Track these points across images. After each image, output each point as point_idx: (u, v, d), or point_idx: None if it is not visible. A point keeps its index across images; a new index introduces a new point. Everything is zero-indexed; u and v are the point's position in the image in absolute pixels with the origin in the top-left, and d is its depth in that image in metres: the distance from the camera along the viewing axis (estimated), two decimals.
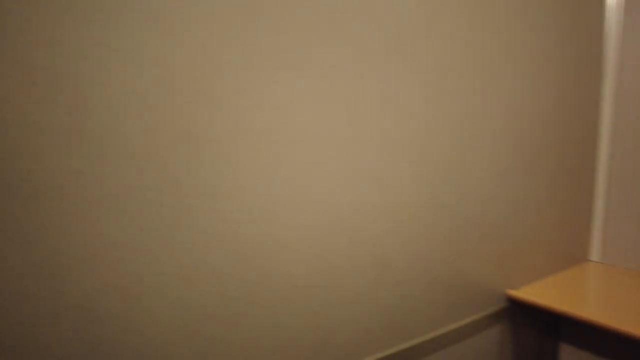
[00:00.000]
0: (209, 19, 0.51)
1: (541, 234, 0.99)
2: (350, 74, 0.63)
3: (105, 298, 0.48)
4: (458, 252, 0.81)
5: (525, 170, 0.92)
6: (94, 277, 0.47)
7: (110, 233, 0.47)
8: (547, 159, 0.97)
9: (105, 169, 0.46)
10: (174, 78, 0.50)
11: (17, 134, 0.42)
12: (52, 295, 0.45)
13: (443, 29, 0.73)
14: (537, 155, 0.95)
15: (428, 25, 0.71)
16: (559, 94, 0.97)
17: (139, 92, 0.48)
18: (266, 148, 0.57)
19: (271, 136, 0.57)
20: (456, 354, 0.83)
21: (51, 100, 0.43)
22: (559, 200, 1.02)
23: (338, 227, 0.64)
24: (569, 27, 0.97)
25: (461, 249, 0.81)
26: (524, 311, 0.96)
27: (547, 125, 0.96)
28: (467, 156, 0.80)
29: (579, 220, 1.09)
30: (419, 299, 0.76)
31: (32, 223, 0.43)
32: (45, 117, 0.43)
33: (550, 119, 0.97)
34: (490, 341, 0.90)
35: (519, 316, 0.95)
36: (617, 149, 1.08)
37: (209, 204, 0.53)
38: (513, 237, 0.92)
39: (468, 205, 0.82)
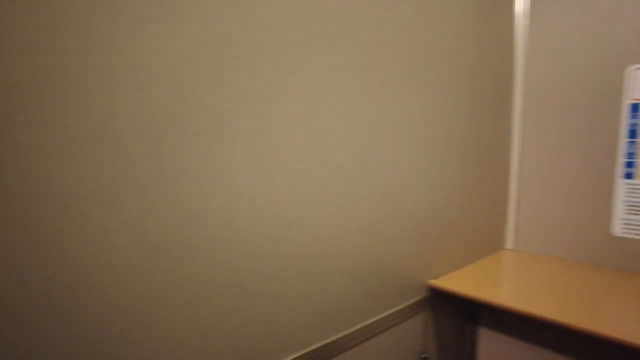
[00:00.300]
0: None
1: (461, 225, 1.03)
2: (261, 68, 0.60)
3: None
4: (379, 244, 0.82)
5: (445, 164, 0.95)
6: None
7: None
8: (465, 154, 1.02)
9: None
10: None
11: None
12: None
13: (365, 34, 0.74)
14: (456, 151, 0.98)
15: (350, 29, 0.70)
16: (474, 93, 1.02)
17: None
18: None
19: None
20: (381, 344, 0.84)
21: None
22: (477, 192, 1.07)
23: (254, 225, 0.61)
24: (483, 32, 1.02)
25: (383, 242, 0.82)
26: (445, 299, 0.99)
27: (464, 123, 1.00)
28: (387, 150, 0.81)
29: (495, 212, 1.16)
30: (341, 293, 0.75)
31: None
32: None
33: (468, 118, 1.01)
34: (414, 330, 0.91)
35: (441, 304, 0.98)
36: (527, 145, 1.16)
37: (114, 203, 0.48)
38: (435, 229, 0.94)
39: (389, 199, 0.83)
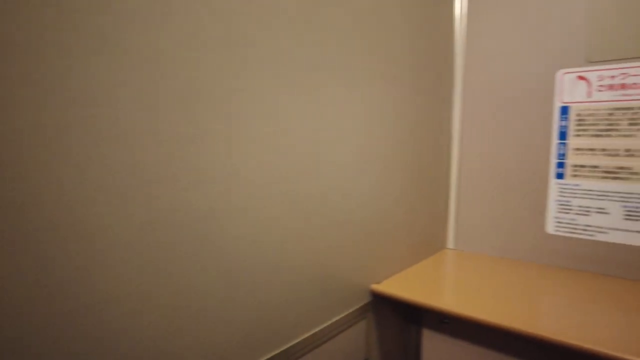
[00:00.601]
0: None
1: (403, 227, 1.02)
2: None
3: None
4: (318, 251, 0.79)
5: (386, 166, 0.94)
6: None
7: None
8: (406, 156, 1.01)
9: None
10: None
11: None
12: None
13: (311, 35, 0.70)
14: (397, 153, 0.97)
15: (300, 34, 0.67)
16: (415, 94, 1.02)
17: None
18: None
19: None
20: (324, 355, 0.81)
21: None
22: (418, 193, 1.08)
23: (177, 237, 0.56)
24: (423, 35, 1.03)
25: (322, 249, 0.80)
26: (388, 303, 0.98)
27: (405, 125, 1.00)
28: (326, 152, 0.78)
29: (437, 212, 1.17)
30: (280, 306, 0.72)
31: None
32: None
33: (408, 119, 1.01)
34: (357, 337, 0.90)
35: (384, 308, 0.97)
36: (466, 146, 1.18)
37: None
38: (377, 232, 0.93)
39: (330, 204, 0.79)
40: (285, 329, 0.73)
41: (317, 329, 0.79)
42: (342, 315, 0.84)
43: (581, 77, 0.96)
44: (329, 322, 0.82)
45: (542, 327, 0.73)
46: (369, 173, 0.89)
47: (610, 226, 0.95)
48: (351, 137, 0.84)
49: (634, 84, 0.90)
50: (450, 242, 1.21)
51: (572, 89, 0.98)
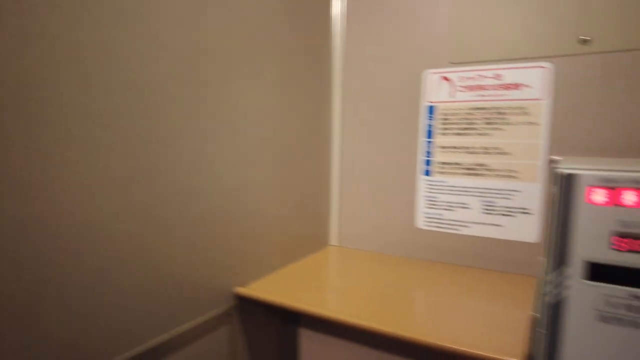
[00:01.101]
0: None
1: (279, 226, 1.01)
2: None
3: None
4: (174, 253, 0.74)
5: (257, 164, 0.91)
6: None
7: None
8: (283, 153, 0.99)
9: None
10: None
11: None
12: None
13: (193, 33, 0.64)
14: (272, 150, 0.95)
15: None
16: (295, 94, 1.01)
17: None
18: None
19: None
20: None
21: None
22: (298, 191, 1.06)
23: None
24: (303, 36, 1.01)
25: (179, 251, 0.75)
26: (258, 305, 0.95)
27: (285, 123, 0.98)
28: (190, 147, 0.73)
29: (319, 209, 1.17)
30: (130, 308, 0.66)
31: None
32: None
33: (287, 117, 0.99)
34: (220, 342, 0.86)
35: (255, 311, 0.95)
36: (346, 144, 1.19)
37: None
38: (244, 232, 0.90)
39: (187, 201, 0.75)
40: (134, 332, 0.68)
41: (170, 334, 0.75)
42: (196, 321, 0.80)
43: (445, 78, 1.01)
44: (185, 328, 0.77)
45: (409, 327, 0.73)
46: (236, 169, 0.86)
47: (471, 220, 1.00)
48: (223, 134, 0.80)
49: (488, 85, 0.96)
50: (334, 239, 1.22)
51: (437, 89, 1.02)
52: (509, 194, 0.96)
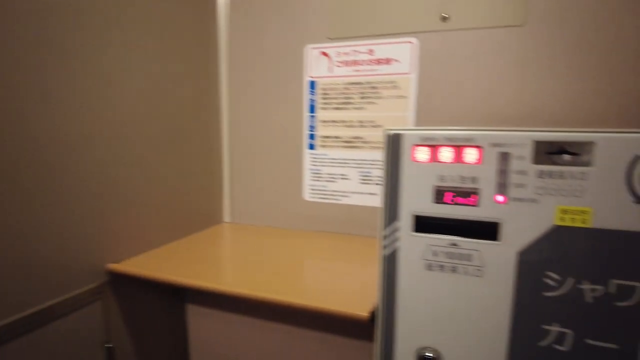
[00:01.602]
0: None
1: (162, 203, 0.99)
2: None
3: None
4: (31, 232, 0.69)
5: (144, 138, 0.88)
6: None
7: None
8: (170, 130, 0.97)
9: None
10: None
11: None
12: None
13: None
14: (158, 128, 0.93)
15: None
16: (180, 71, 0.98)
17: None
18: None
19: None
20: (49, 335, 0.73)
21: None
22: (186, 169, 1.04)
23: None
24: (188, 12, 0.98)
25: (43, 225, 0.70)
26: (138, 282, 0.93)
27: (170, 99, 0.95)
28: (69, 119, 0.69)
29: (210, 186, 1.16)
30: None
31: None
32: None
33: (173, 95, 0.96)
34: (92, 319, 0.83)
35: (133, 288, 0.93)
36: (235, 122, 1.18)
37: None
38: (119, 208, 0.87)
39: (60, 179, 0.71)
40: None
41: (36, 308, 0.71)
42: (64, 297, 0.77)
43: (324, 53, 1.03)
44: (46, 304, 0.74)
45: (285, 293, 0.75)
46: (109, 143, 0.83)
47: (351, 190, 1.05)
48: (87, 102, 0.76)
49: (362, 60, 1.00)
50: (227, 216, 1.22)
51: (317, 64, 1.04)
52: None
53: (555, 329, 0.53)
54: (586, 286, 0.52)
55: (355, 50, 1.00)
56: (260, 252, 0.97)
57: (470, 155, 0.56)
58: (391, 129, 0.59)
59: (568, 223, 0.52)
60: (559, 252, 0.53)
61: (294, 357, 0.95)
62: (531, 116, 0.90)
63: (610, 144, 0.50)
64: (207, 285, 0.80)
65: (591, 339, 0.52)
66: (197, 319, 1.04)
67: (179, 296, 1.06)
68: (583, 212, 0.51)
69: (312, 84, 1.05)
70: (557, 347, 0.53)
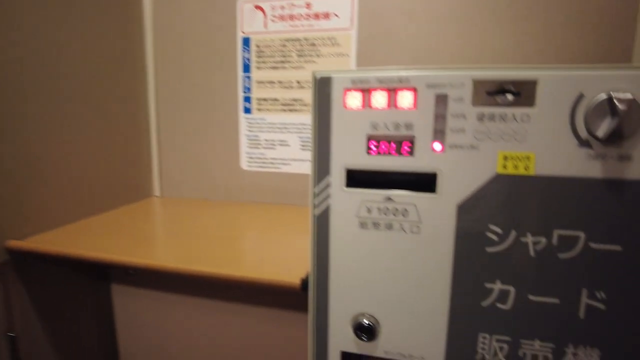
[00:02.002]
0: None
1: (81, 174, 0.87)
2: None
3: None
4: None
5: (40, 105, 0.76)
6: None
7: None
8: (85, 95, 0.85)
9: None
10: None
11: None
12: None
13: None
14: (71, 91, 0.80)
15: None
16: (95, 30, 0.85)
17: None
18: None
19: None
20: None
21: None
22: (106, 138, 0.93)
23: None
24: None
25: None
26: (49, 261, 0.83)
27: (86, 60, 0.82)
28: None
29: (137, 158, 1.05)
30: None
31: None
32: None
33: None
34: None
35: (42, 266, 0.82)
36: (162, 90, 1.07)
37: None
38: (26, 180, 0.75)
39: None
40: None
41: None
42: None
43: (258, 7, 0.94)
44: None
45: (217, 265, 0.67)
46: (10, 106, 0.71)
47: (291, 157, 0.98)
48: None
49: (299, 14, 0.92)
50: (157, 189, 1.12)
51: (251, 19, 0.95)
52: None
53: (497, 286, 0.49)
54: (529, 239, 0.48)
55: (291, 4, 0.92)
56: (194, 226, 0.88)
57: (405, 99, 0.50)
58: (320, 72, 0.52)
59: (510, 171, 0.47)
60: (501, 203, 0.48)
61: (230, 333, 0.89)
62: None
63: (553, 82, 0.45)
64: (130, 260, 0.71)
65: (533, 294, 0.48)
66: (124, 299, 0.95)
67: (102, 276, 0.96)
68: (526, 157, 0.47)
69: (246, 41, 0.96)
70: (500, 305, 0.50)
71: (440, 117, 0.49)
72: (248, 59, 0.97)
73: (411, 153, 0.50)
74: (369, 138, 0.51)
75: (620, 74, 0.44)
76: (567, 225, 0.46)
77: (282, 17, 0.93)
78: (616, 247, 0.46)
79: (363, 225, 0.53)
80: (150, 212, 1.01)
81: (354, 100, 0.51)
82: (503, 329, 0.50)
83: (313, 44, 0.92)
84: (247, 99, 0.99)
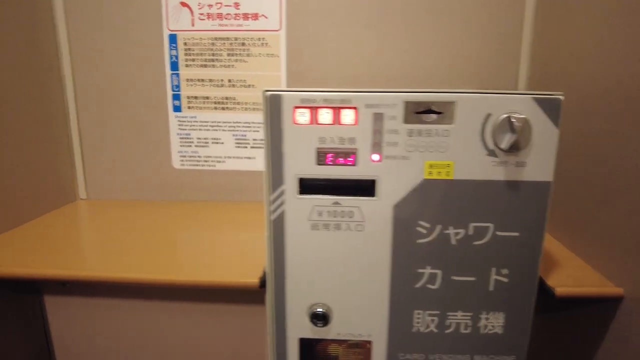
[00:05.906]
0: None
1: (12, 182, 0.81)
2: None
3: None
4: None
5: None
6: None
7: None
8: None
9: None
10: None
11: None
12: None
13: None
14: None
15: None
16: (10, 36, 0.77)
17: None
18: None
19: None
20: None
21: None
22: (16, 141, 0.86)
23: None
24: None
25: None
26: None
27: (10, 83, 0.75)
28: None
29: (56, 160, 0.99)
30: None
31: None
32: None
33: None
34: None
35: None
36: (82, 91, 1.01)
37: None
38: None
39: None
40: None
41: None
42: None
43: (184, 4, 0.93)
44: None
45: (160, 271, 0.70)
46: None
47: (226, 155, 1.01)
48: None
49: (228, 14, 0.93)
50: (82, 192, 1.07)
51: (177, 16, 0.94)
52: (258, 127, 0.99)
53: (427, 270, 0.60)
54: (451, 231, 0.58)
55: (219, 3, 0.92)
56: (128, 229, 0.88)
57: (347, 116, 0.57)
58: (269, 90, 0.56)
59: (435, 176, 0.57)
60: (428, 203, 0.58)
61: (185, 333, 0.91)
62: (394, 78, 0.96)
63: (468, 103, 0.55)
64: (64, 273, 0.70)
65: (455, 275, 0.59)
66: (59, 312, 0.91)
67: (31, 290, 0.91)
68: (447, 165, 0.57)
69: (173, 38, 0.95)
70: (430, 286, 0.60)
71: (377, 132, 0.57)
72: (176, 57, 0.96)
73: (354, 163, 0.58)
74: (318, 150, 0.58)
75: (518, 97, 0.55)
76: (480, 218, 0.58)
77: (210, 16, 0.93)
78: (515, 234, 0.58)
79: (315, 227, 0.60)
80: (78, 218, 0.96)
81: (303, 117, 0.57)
82: (434, 304, 0.61)
83: (243, 44, 0.94)
84: (177, 97, 0.98)
